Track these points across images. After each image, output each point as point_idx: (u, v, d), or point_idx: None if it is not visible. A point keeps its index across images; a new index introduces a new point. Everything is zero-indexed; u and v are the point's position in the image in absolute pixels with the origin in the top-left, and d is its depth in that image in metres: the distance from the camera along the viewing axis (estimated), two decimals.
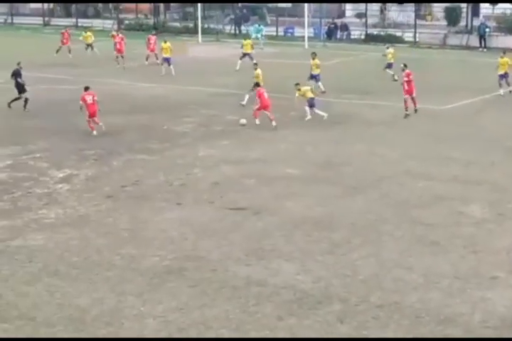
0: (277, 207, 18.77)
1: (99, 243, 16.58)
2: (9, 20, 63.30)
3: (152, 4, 62.21)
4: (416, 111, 28.63)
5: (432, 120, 28.33)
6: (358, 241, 16.53)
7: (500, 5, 52.35)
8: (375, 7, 56.63)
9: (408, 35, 51.60)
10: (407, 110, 28.43)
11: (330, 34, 53.69)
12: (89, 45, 44.36)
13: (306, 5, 50.76)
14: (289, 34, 54.76)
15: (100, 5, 65.92)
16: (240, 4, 57.60)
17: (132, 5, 61.72)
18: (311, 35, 51.77)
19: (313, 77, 33.14)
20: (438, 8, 56.54)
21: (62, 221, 17.96)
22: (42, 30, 59.30)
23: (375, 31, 52.94)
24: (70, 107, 29.05)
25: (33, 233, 17.16)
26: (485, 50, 48.01)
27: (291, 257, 15.68)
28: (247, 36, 41.83)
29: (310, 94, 27.99)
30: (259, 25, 51.45)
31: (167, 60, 38.01)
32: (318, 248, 16.17)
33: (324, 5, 55.39)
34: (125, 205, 19.08)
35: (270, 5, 58.62)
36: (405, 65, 29.14)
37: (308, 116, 27.76)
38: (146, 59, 41.37)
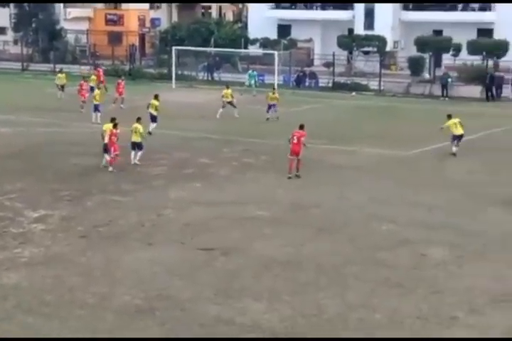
0: (247, 248, 18.79)
1: (73, 281, 16.48)
2: None
3: (128, 51, 62.50)
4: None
5: (398, 165, 28.59)
6: (325, 282, 16.57)
7: (462, 56, 53.22)
8: (342, 57, 57.35)
9: (373, 84, 52.24)
10: None
11: (299, 82, 54.23)
12: (62, 87, 44.42)
13: (276, 54, 51.33)
14: (260, 81, 55.20)
15: (78, 52, 66.12)
16: (213, 52, 58.04)
17: (109, 51, 62.01)
18: (281, 82, 52.24)
19: (269, 106, 38.27)
20: (402, 59, 57.34)
21: (37, 260, 17.85)
22: (21, 75, 59.31)
23: (342, 80, 53.52)
24: (46, 149, 29.00)
25: (8, 271, 17.03)
26: (447, 99, 48.68)
27: (259, 297, 15.67)
28: (227, 85, 41.87)
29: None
30: (253, 71, 51.06)
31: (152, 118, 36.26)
32: (286, 288, 16.19)
33: (293, 54, 56.00)
34: (98, 245, 19.00)
35: (242, 53, 59.18)
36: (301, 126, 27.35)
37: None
38: (114, 102, 41.36)
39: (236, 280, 16.57)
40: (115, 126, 27.00)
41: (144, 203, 22.85)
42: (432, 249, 18.83)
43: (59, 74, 45.62)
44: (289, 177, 25.92)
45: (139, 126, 27.84)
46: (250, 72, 50.62)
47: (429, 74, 53.19)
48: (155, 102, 34.30)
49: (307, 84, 54.26)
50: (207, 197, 23.51)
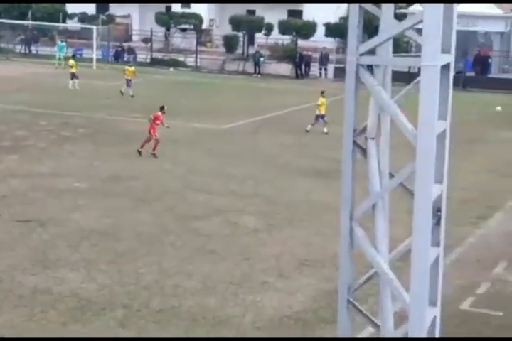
0: (64, 219, 18.40)
1: None
2: None
3: None
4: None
5: (214, 139, 28.80)
6: (142, 251, 16.49)
7: (274, 35, 54.10)
8: (160, 33, 56.98)
9: (190, 60, 52.29)
10: None
11: (117, 56, 53.55)
12: None
13: (94, 29, 50.42)
14: (79, 55, 53.99)
15: None
16: (30, 26, 56.18)
17: None
18: (100, 57, 51.37)
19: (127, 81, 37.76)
20: (217, 37, 57.65)
21: None
22: None
23: (159, 55, 53.25)
24: None
25: None
26: (259, 75, 49.44)
27: (77, 266, 15.41)
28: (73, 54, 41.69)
29: None
30: (62, 42, 50.64)
31: None
32: (103, 257, 16.00)
33: (112, 30, 55.12)
34: None
35: (60, 28, 57.65)
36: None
37: None
38: None
39: (53, 251, 16.20)
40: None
41: None
42: (245, 218, 19.15)
43: None
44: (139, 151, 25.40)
45: None
46: (59, 42, 50.05)
47: (243, 52, 53.78)
48: None
49: (125, 59, 53.62)
50: (24, 170, 22.81)
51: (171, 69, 50.58)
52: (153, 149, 25.32)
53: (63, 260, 15.74)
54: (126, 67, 39.45)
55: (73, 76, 39.40)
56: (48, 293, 14.05)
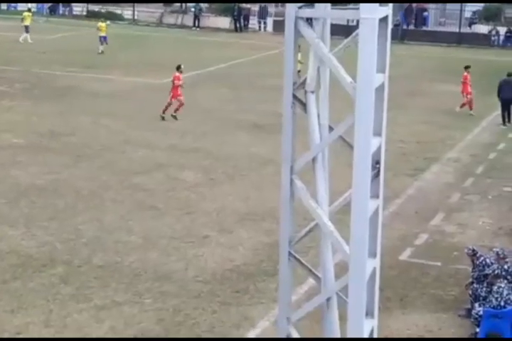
0: (2, 176, 18.15)
1: None
2: None
3: None
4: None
5: (151, 93, 28.49)
6: (82, 207, 16.39)
7: None
8: None
9: (127, 13, 51.47)
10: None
11: (53, 9, 52.46)
12: None
13: None
14: (13, 8, 52.75)
15: None
16: None
17: None
18: (35, 10, 50.19)
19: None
20: None
21: None
22: None
23: (96, 8, 52.28)
24: None
25: None
26: (198, 29, 48.95)
27: (16, 223, 15.26)
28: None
29: None
30: None
31: None
32: (43, 214, 15.85)
33: None
34: None
35: None
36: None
37: None
38: None
39: None
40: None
41: None
42: (185, 173, 19.11)
43: None
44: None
45: None
46: None
47: (181, 5, 53.08)
48: None
49: (61, 12, 52.56)
50: None
51: (108, 22, 49.67)
52: (175, 111, 24.54)
53: (2, 217, 15.57)
54: (100, 24, 38.20)
55: (26, 29, 38.31)
56: None
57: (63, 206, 16.40)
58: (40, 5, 51.99)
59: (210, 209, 16.61)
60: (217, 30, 48.27)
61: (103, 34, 37.24)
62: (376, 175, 6.00)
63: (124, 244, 14.49)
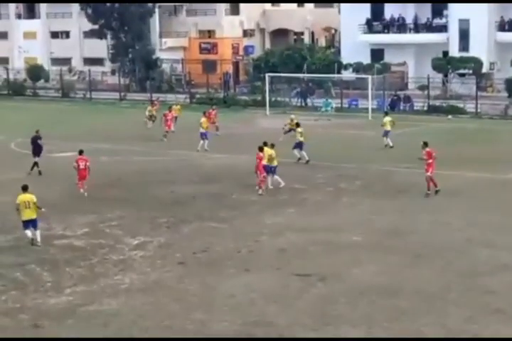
0: (343, 274, 18.73)
1: (171, 308, 16.73)
2: (88, 95, 64.85)
3: (222, 79, 63.43)
4: (436, 192, 26.94)
5: (497, 189, 28.03)
6: (424, 309, 16.35)
7: None
8: (436, 79, 56.76)
9: (470, 107, 51.44)
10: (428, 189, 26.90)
11: (393, 106, 53.74)
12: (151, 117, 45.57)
13: (370, 78, 51.22)
14: (354, 106, 55.10)
15: (173, 81, 67.43)
16: (305, 78, 58.27)
17: (203, 80, 62.83)
18: (375, 106, 51.98)
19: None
20: (499, 81, 56.46)
21: (136, 286, 18.19)
22: (118, 105, 60.62)
23: (437, 103, 52.91)
24: (142, 177, 29.63)
25: (109, 298, 17.40)
26: None
27: (357, 323, 15.58)
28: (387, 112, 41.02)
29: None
30: (327, 100, 53.61)
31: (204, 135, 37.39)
32: (383, 315, 16.05)
33: (387, 78, 55.75)
34: (195, 271, 19.24)
35: (335, 78, 59.20)
36: (425, 144, 27.52)
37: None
38: (164, 135, 41.57)
39: (332, 307, 16.53)
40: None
41: (240, 229, 23.04)
42: None
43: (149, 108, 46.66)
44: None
45: (272, 151, 28.24)
46: (325, 100, 53.84)
47: None
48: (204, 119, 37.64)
49: (402, 107, 53.85)
50: (301, 223, 23.54)
51: (450, 116, 50.07)
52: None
53: (343, 316, 16.00)
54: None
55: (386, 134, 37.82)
56: None
57: (405, 307, 16.49)
58: (380, 102, 53.52)
59: None
60: None
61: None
62: None
63: None
